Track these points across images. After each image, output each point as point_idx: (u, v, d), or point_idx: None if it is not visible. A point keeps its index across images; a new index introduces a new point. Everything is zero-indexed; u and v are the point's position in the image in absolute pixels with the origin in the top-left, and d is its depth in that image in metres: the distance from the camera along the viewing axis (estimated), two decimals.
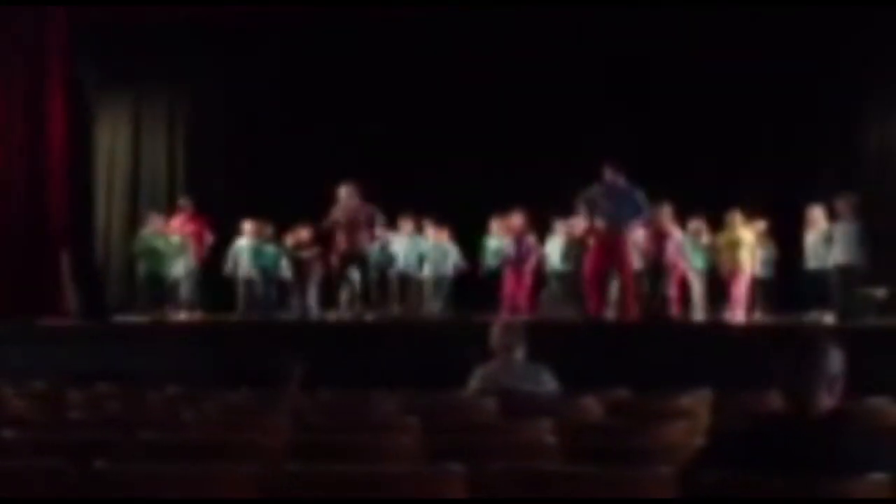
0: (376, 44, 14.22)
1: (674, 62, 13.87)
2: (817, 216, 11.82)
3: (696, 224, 12.36)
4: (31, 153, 13.05)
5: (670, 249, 11.48)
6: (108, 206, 15.43)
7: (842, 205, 11.13)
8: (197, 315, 13.32)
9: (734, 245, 11.85)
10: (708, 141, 14.05)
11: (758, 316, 12.23)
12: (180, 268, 13.33)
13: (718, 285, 12.31)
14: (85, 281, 13.64)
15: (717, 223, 12.31)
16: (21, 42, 13.13)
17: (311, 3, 13.59)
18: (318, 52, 14.62)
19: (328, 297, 12.91)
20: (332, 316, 12.47)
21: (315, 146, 14.66)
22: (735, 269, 11.82)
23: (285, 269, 13.33)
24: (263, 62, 14.94)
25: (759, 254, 12.30)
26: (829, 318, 10.97)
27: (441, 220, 13.27)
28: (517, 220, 12.49)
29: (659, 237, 11.37)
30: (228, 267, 13.26)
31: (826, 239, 11.39)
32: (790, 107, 13.93)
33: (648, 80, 13.99)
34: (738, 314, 11.73)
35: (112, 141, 15.51)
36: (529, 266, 12.59)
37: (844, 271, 10.98)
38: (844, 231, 11.02)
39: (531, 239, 12.63)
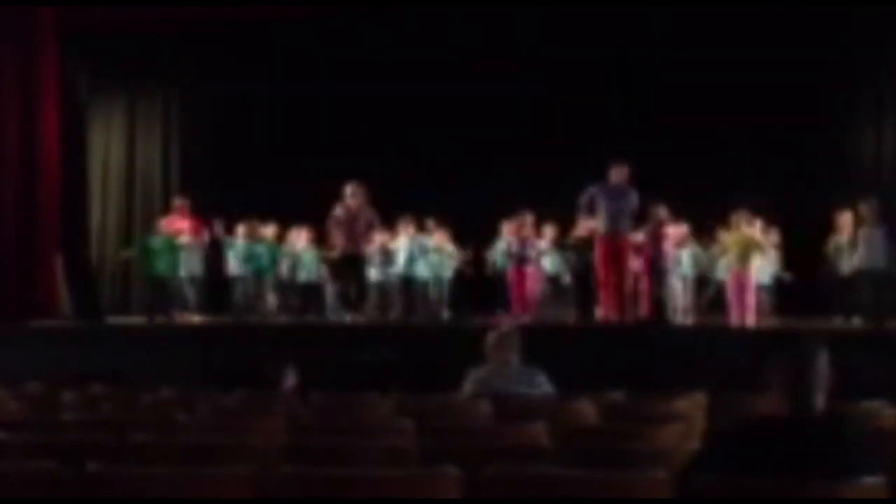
0: (373, 43, 14.20)
1: (671, 65, 13.85)
2: (845, 221, 11.60)
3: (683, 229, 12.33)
4: (24, 155, 13.03)
5: (668, 251, 11.51)
6: (102, 207, 15.39)
7: (864, 209, 11.05)
8: (191, 317, 13.27)
9: (743, 246, 11.69)
10: (703, 144, 14.03)
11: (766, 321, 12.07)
12: (181, 268, 13.22)
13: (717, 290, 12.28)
14: (79, 283, 13.63)
15: (704, 227, 12.26)
16: (12, 44, 13.12)
17: (305, 2, 13.61)
18: (313, 52, 14.59)
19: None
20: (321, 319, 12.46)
21: (309, 146, 14.64)
22: (744, 273, 11.67)
23: (285, 270, 13.33)
24: (257, 62, 14.90)
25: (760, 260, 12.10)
26: (857, 322, 10.97)
27: (444, 222, 13.22)
28: (526, 221, 12.51)
29: (656, 239, 11.40)
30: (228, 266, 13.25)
31: (850, 244, 11.29)
32: (784, 109, 13.94)
33: (648, 82, 13.99)
34: (749, 319, 11.51)
35: (105, 142, 15.49)
36: (533, 266, 12.60)
37: (872, 276, 10.89)
38: (868, 236, 10.93)
39: (535, 240, 12.63)
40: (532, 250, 12.45)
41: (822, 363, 3.30)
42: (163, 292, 12.91)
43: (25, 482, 3.86)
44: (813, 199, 12.77)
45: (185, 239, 13.06)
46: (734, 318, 11.37)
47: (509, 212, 12.65)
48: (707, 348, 9.66)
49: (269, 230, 13.22)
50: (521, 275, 12.43)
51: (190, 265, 13.23)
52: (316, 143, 14.58)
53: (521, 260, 12.41)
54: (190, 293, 13.30)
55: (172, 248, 12.90)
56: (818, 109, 13.96)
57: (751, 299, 11.43)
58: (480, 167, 14.24)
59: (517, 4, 13.50)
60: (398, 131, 14.43)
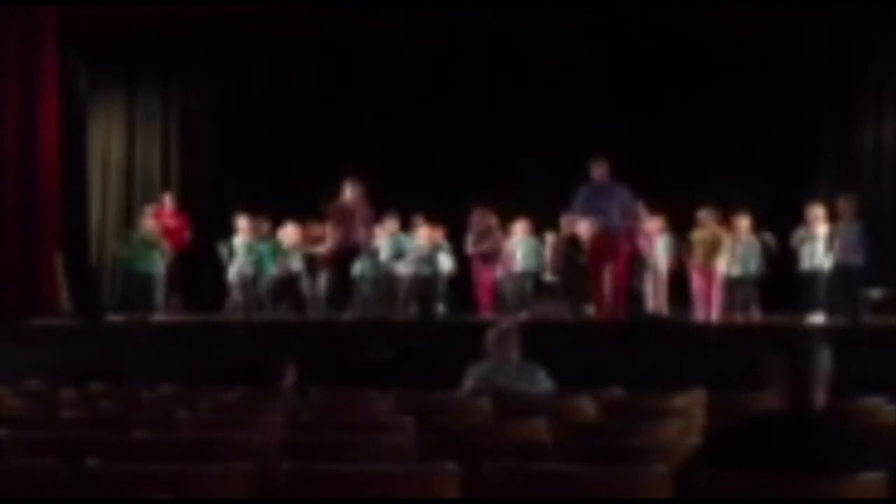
0: (370, 40, 14.20)
1: (668, 61, 13.82)
2: (818, 215, 11.41)
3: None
4: (24, 153, 13.01)
5: (644, 246, 11.57)
6: (101, 205, 15.34)
7: (842, 204, 10.92)
8: (188, 314, 13.27)
9: (709, 244, 11.71)
10: (700, 139, 14.02)
11: (740, 316, 12.06)
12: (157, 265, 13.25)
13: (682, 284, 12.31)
14: (78, 280, 13.62)
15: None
16: (12, 42, 13.10)
17: (304, 2, 13.61)
18: (312, 49, 14.58)
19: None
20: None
21: (308, 143, 14.65)
22: (710, 268, 11.73)
23: (274, 267, 13.31)
24: (257, 59, 14.90)
25: (740, 251, 12.02)
26: (819, 318, 10.86)
27: (435, 220, 13.21)
28: (488, 217, 12.50)
29: (632, 234, 11.47)
30: (225, 259, 13.21)
31: (827, 238, 11.16)
32: (786, 106, 13.92)
33: (642, 78, 13.93)
34: (713, 314, 11.65)
35: (105, 139, 15.43)
36: (496, 263, 12.60)
37: (845, 271, 10.77)
38: (845, 231, 10.80)
39: (499, 236, 12.63)
40: (494, 245, 12.44)
41: (825, 360, 3.30)
42: (137, 289, 12.99)
43: (25, 479, 3.86)
44: (810, 198, 12.73)
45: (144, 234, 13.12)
46: (700, 315, 11.53)
47: (505, 209, 12.66)
48: (707, 344, 9.65)
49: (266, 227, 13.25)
50: (480, 272, 12.46)
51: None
52: (315, 142, 14.59)
53: (482, 257, 12.43)
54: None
55: (153, 245, 12.93)
56: (818, 108, 13.93)
57: (716, 296, 11.63)
58: (477, 166, 14.24)
59: (506, 5, 13.46)
60: (396, 130, 14.42)
